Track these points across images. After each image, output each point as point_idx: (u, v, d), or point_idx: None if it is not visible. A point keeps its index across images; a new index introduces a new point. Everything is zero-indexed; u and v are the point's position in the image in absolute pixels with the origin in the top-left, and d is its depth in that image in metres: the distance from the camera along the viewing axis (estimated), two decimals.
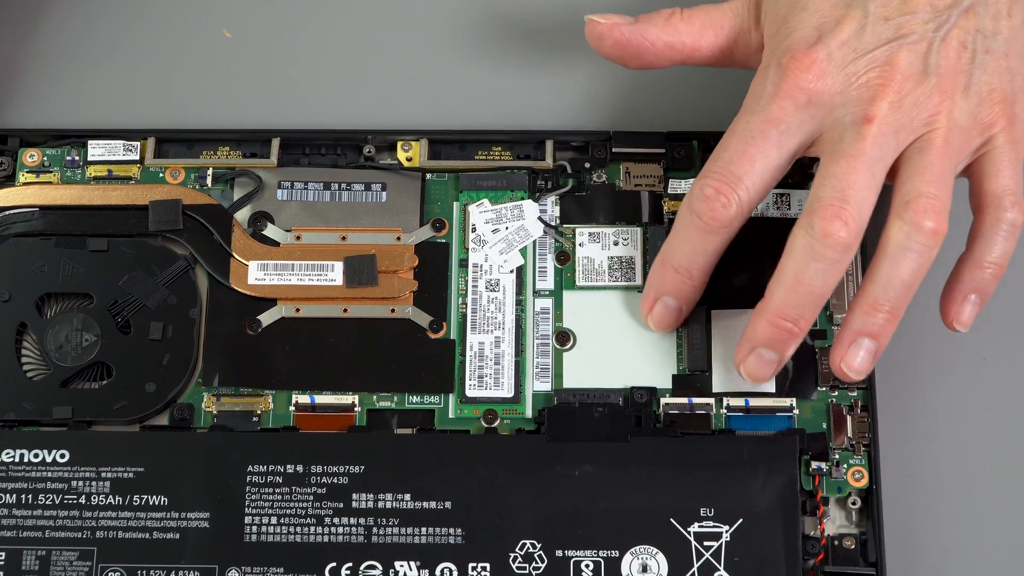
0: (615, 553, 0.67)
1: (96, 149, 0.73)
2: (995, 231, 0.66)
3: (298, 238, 0.72)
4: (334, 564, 0.67)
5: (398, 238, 0.72)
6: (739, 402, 0.69)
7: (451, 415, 0.70)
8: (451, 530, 0.67)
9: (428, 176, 0.73)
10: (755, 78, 0.67)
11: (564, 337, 0.71)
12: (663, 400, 0.69)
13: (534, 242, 0.72)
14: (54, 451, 0.68)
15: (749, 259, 0.70)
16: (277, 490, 0.68)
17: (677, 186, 0.72)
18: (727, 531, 0.67)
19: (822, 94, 0.65)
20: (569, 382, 0.70)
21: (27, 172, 0.73)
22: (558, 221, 0.72)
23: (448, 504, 0.67)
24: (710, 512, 0.67)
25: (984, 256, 0.66)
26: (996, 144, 0.66)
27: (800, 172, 0.72)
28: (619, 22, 0.69)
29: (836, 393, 0.69)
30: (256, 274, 0.71)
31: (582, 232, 0.72)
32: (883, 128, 0.64)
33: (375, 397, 0.70)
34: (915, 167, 0.64)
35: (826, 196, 0.64)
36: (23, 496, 0.68)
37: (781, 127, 0.65)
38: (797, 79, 0.65)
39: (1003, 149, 0.66)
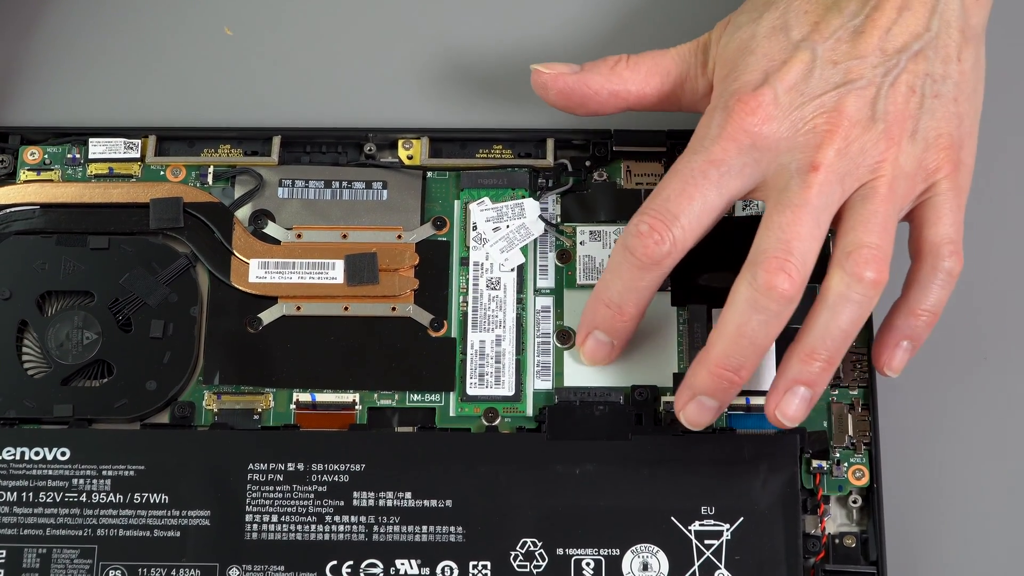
0: (616, 551, 0.67)
1: (97, 147, 0.73)
2: (931, 279, 0.66)
3: (299, 236, 0.72)
4: (335, 562, 0.67)
5: (399, 236, 0.72)
6: (740, 401, 0.69)
7: (452, 413, 0.70)
8: (452, 528, 0.67)
9: (429, 174, 0.73)
10: (702, 119, 0.66)
11: (565, 335, 0.71)
12: (664, 399, 0.69)
13: (535, 240, 0.72)
14: (55, 449, 0.68)
15: None
16: (278, 488, 0.68)
17: None
18: (728, 529, 0.67)
19: (767, 138, 0.64)
20: (570, 380, 0.70)
21: (28, 170, 0.73)
22: (559, 219, 0.72)
23: (449, 502, 0.67)
24: (711, 510, 0.67)
25: (919, 304, 0.66)
26: (939, 190, 0.66)
27: None
28: (563, 72, 0.69)
29: (837, 392, 0.69)
30: (257, 272, 0.71)
31: (583, 230, 0.72)
32: (829, 176, 0.64)
33: (376, 395, 0.70)
34: (859, 216, 0.64)
35: (770, 248, 0.63)
36: (24, 494, 0.68)
37: (722, 168, 0.64)
38: (742, 122, 0.64)
39: (946, 196, 0.66)
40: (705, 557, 0.66)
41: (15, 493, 0.68)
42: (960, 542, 0.69)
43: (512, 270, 0.71)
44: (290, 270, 0.71)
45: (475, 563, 0.67)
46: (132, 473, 0.68)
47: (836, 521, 0.68)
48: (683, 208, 0.64)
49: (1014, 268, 0.73)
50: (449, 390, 0.70)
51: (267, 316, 0.71)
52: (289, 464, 0.68)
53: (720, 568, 0.66)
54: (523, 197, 0.72)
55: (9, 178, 0.73)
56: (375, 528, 0.67)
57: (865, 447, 0.68)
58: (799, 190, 0.63)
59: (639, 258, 0.65)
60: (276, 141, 0.73)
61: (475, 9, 0.77)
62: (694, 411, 0.66)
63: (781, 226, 0.63)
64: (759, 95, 0.64)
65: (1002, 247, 0.73)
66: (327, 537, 0.67)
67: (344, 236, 0.72)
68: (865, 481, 0.68)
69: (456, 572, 0.67)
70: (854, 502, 0.68)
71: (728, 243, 0.71)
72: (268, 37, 0.77)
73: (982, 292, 0.72)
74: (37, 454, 0.68)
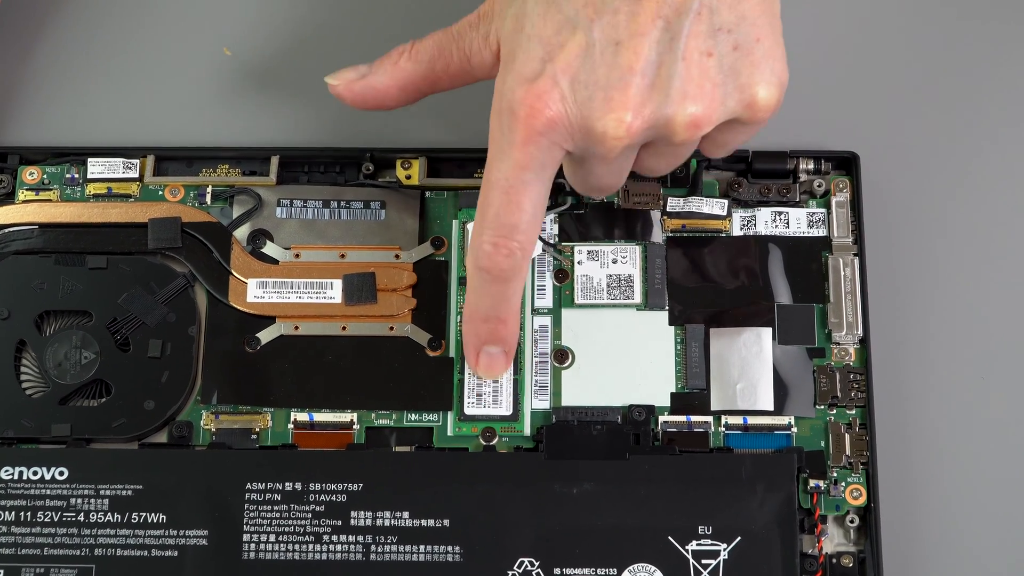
0: (613, 571, 0.67)
1: (96, 167, 0.73)
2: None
3: (297, 256, 0.72)
4: None
5: (397, 256, 0.72)
6: (737, 420, 0.69)
7: (450, 433, 0.70)
8: (449, 547, 0.67)
9: (427, 194, 0.73)
10: (492, 118, 0.65)
11: (562, 355, 0.71)
12: (661, 418, 0.69)
13: (533, 260, 0.72)
14: (53, 468, 0.68)
15: (746, 277, 0.71)
16: (275, 507, 0.68)
17: (676, 204, 0.72)
18: (725, 549, 0.67)
19: (561, 122, 0.63)
20: (567, 400, 0.70)
21: (27, 190, 0.73)
22: (557, 239, 0.72)
23: (447, 521, 0.67)
24: (708, 530, 0.67)
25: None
26: (759, 120, 0.65)
27: (798, 191, 0.72)
28: (351, 78, 0.69)
29: (835, 411, 0.69)
30: (255, 292, 0.71)
31: (581, 250, 0.72)
32: (634, 139, 0.63)
33: (374, 415, 0.70)
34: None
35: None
36: (22, 513, 0.68)
37: (534, 167, 0.64)
38: (532, 123, 0.63)
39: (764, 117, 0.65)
40: None
41: (13, 512, 0.68)
42: (959, 562, 0.69)
43: None
44: (288, 290, 0.71)
45: None
46: (130, 493, 0.68)
47: (833, 541, 0.68)
48: (516, 217, 0.64)
49: (1012, 288, 0.73)
50: (447, 410, 0.70)
51: (265, 336, 0.71)
52: (287, 484, 0.68)
53: None
54: None
55: (8, 198, 0.73)
56: (372, 548, 0.67)
57: (863, 467, 0.68)
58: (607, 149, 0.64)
59: (496, 275, 0.65)
60: (274, 161, 0.73)
61: None
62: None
63: (598, 175, 0.66)
64: (538, 89, 0.62)
65: (1000, 267, 0.73)
66: (324, 557, 0.67)
67: (342, 256, 0.72)
68: (863, 501, 0.68)
69: None
70: (851, 522, 0.68)
71: (725, 263, 0.71)
72: (266, 57, 0.77)
73: (978, 312, 0.72)
74: (35, 473, 0.68)
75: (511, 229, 0.64)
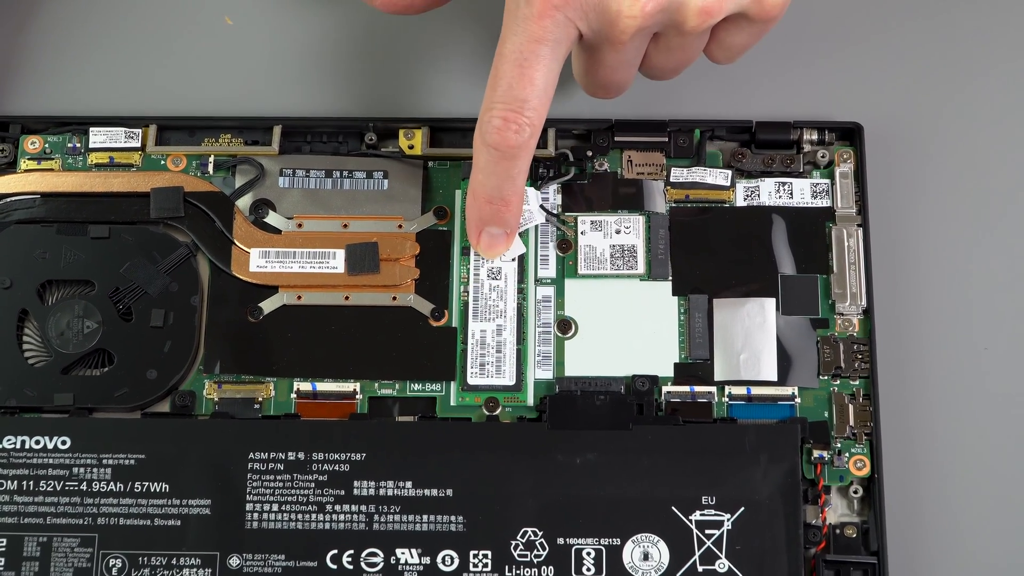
0: (616, 541, 0.67)
1: (97, 136, 0.73)
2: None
3: (300, 225, 0.72)
4: (335, 551, 0.67)
5: (400, 226, 0.72)
6: (741, 390, 0.69)
7: (453, 403, 0.70)
8: (452, 518, 0.67)
9: (430, 164, 0.73)
10: None
11: (566, 325, 0.71)
12: (665, 388, 0.69)
13: (536, 230, 0.72)
14: (55, 438, 0.68)
15: (750, 248, 0.71)
16: (278, 477, 0.68)
17: (679, 175, 0.72)
18: (728, 519, 0.67)
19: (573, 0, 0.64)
20: (571, 370, 0.70)
21: (28, 159, 0.73)
22: (560, 209, 0.72)
23: (450, 492, 0.67)
24: (711, 500, 0.67)
25: None
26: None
27: (802, 162, 0.72)
28: None
29: (838, 382, 0.69)
30: (257, 261, 0.71)
31: (584, 220, 0.72)
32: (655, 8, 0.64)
33: (376, 385, 0.70)
34: None
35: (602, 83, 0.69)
36: (24, 483, 0.68)
37: (548, 42, 0.65)
38: None
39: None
40: (706, 547, 0.66)
41: (16, 482, 0.68)
42: (961, 532, 0.69)
43: (513, 260, 0.71)
44: (291, 259, 0.71)
45: (476, 552, 0.67)
46: (132, 462, 0.68)
47: (837, 511, 0.68)
48: (528, 91, 0.65)
49: (1013, 259, 0.73)
50: (450, 380, 0.70)
51: (268, 305, 0.71)
52: (290, 453, 0.68)
53: (721, 558, 0.66)
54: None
55: (10, 167, 0.73)
56: (376, 517, 0.67)
57: (866, 437, 0.68)
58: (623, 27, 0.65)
59: (504, 150, 0.66)
60: (277, 130, 0.73)
61: (474, 1, 0.77)
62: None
63: (608, 66, 0.67)
64: None
65: (1001, 238, 0.73)
66: (328, 526, 0.67)
67: (345, 226, 0.72)
68: (866, 471, 0.68)
69: (457, 561, 0.67)
70: (855, 492, 0.68)
71: (729, 233, 0.71)
72: (268, 26, 0.77)
73: (981, 283, 0.72)
74: (38, 443, 0.68)
75: (522, 103, 0.65)
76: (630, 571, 0.66)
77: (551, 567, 0.67)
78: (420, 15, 0.73)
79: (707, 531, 0.67)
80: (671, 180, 0.72)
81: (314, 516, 0.67)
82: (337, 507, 0.67)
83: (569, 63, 0.68)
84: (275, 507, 0.67)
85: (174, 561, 0.67)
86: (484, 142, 0.65)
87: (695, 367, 0.70)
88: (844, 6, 0.77)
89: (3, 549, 0.67)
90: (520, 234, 0.71)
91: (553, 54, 0.65)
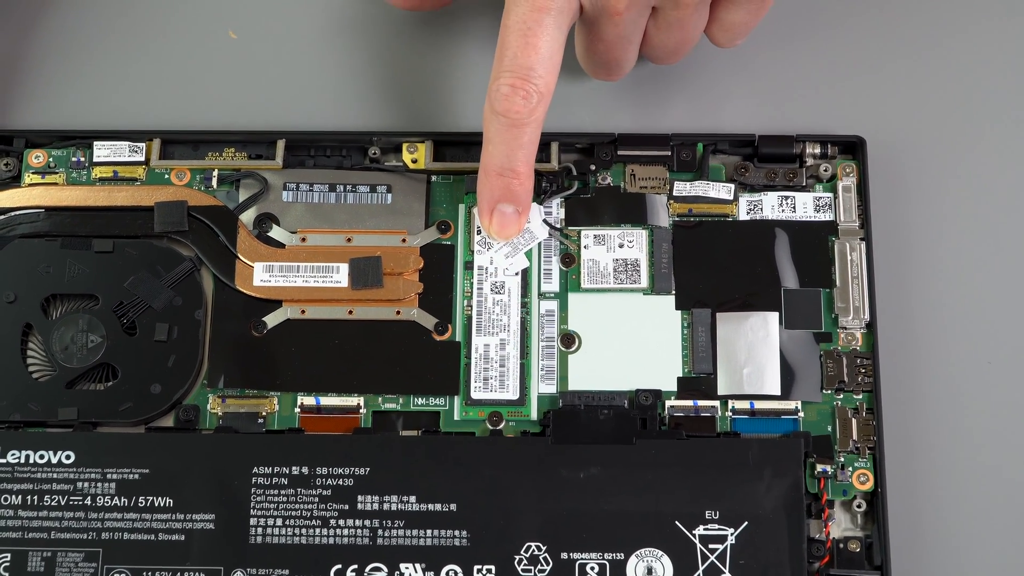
0: (620, 556, 0.67)
1: (101, 150, 0.73)
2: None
3: (303, 240, 0.72)
4: (339, 566, 0.67)
5: (403, 240, 0.72)
6: (744, 405, 0.69)
7: (456, 417, 0.70)
8: (456, 532, 0.67)
9: (433, 178, 0.73)
10: None
11: (569, 339, 0.71)
12: (668, 402, 0.69)
13: (539, 244, 0.72)
14: (59, 452, 0.68)
15: (753, 262, 0.71)
16: (282, 492, 0.68)
17: (682, 188, 0.72)
18: (732, 534, 0.67)
19: None
20: (574, 384, 0.70)
21: (32, 173, 0.73)
22: (563, 223, 0.72)
23: (453, 506, 0.67)
24: (715, 515, 0.67)
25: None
26: None
27: (804, 175, 0.72)
28: None
29: (841, 396, 0.69)
30: (261, 275, 0.71)
31: (587, 234, 0.72)
32: None
33: (380, 399, 0.70)
34: None
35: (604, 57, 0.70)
36: (29, 497, 0.68)
37: (552, 11, 0.66)
38: None
39: None
40: (709, 561, 0.66)
41: (20, 496, 0.68)
42: (965, 546, 0.69)
43: (516, 274, 0.71)
44: (294, 273, 0.71)
45: (479, 567, 0.67)
46: (137, 476, 0.68)
47: (841, 526, 0.68)
48: (534, 59, 0.66)
49: (1016, 272, 0.73)
50: (453, 394, 0.70)
51: (272, 319, 0.71)
52: (294, 468, 0.68)
53: (724, 572, 0.66)
54: None
55: (14, 181, 0.73)
56: (379, 532, 0.67)
57: (869, 451, 0.68)
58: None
59: (512, 118, 0.66)
60: (280, 144, 0.73)
61: (477, 15, 0.77)
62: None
63: (608, 43, 0.69)
64: None
65: (1004, 252, 0.73)
66: (331, 541, 0.67)
67: (348, 240, 0.72)
68: (870, 486, 0.68)
69: None
70: (859, 506, 0.68)
71: (732, 247, 0.71)
72: (272, 41, 0.77)
73: (984, 296, 0.72)
74: (42, 457, 0.68)
75: (528, 71, 0.66)
76: None
77: None
78: (424, 26, 0.73)
79: (711, 545, 0.67)
80: (674, 194, 0.72)
81: (318, 531, 0.67)
82: (341, 522, 0.67)
83: (572, 58, 0.69)
84: (279, 522, 0.67)
85: None
86: (492, 110, 0.66)
87: (698, 381, 0.70)
88: (846, 20, 0.77)
89: (7, 564, 0.67)
90: (524, 251, 0.71)
91: (556, 23, 0.66)
